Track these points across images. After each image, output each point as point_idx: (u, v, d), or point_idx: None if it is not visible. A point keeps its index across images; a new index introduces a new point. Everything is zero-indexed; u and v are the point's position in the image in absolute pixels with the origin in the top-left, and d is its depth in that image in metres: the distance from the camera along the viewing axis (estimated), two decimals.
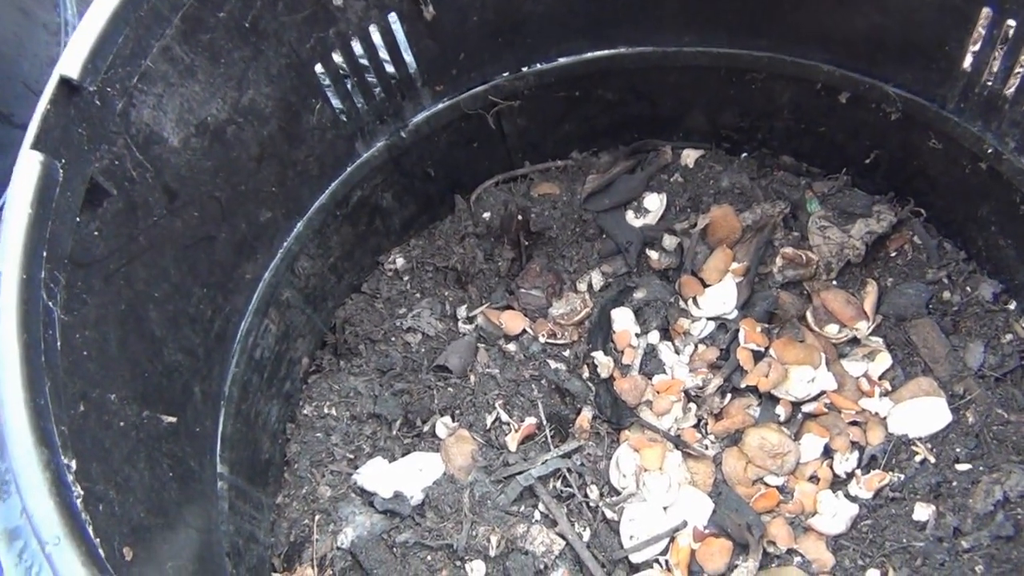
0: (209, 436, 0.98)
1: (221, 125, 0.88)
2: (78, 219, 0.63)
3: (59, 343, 0.60)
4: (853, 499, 1.07)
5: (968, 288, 1.17)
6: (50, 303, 0.58)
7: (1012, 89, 0.90)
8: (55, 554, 0.46)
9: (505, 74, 1.15)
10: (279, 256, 1.08)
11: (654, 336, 1.20)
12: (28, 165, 0.57)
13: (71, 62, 0.61)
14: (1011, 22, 0.84)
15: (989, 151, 0.99)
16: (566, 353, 1.23)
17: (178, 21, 0.72)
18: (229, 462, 1.02)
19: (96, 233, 0.73)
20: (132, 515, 0.76)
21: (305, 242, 1.12)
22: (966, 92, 0.97)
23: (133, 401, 0.80)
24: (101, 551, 0.52)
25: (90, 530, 0.52)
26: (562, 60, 1.14)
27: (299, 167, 1.04)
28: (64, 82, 0.60)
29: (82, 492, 0.54)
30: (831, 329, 1.18)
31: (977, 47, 0.91)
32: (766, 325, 1.19)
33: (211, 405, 0.99)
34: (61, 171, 0.60)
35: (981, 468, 1.06)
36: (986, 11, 0.85)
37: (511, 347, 1.24)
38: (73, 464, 0.55)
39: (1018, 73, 0.89)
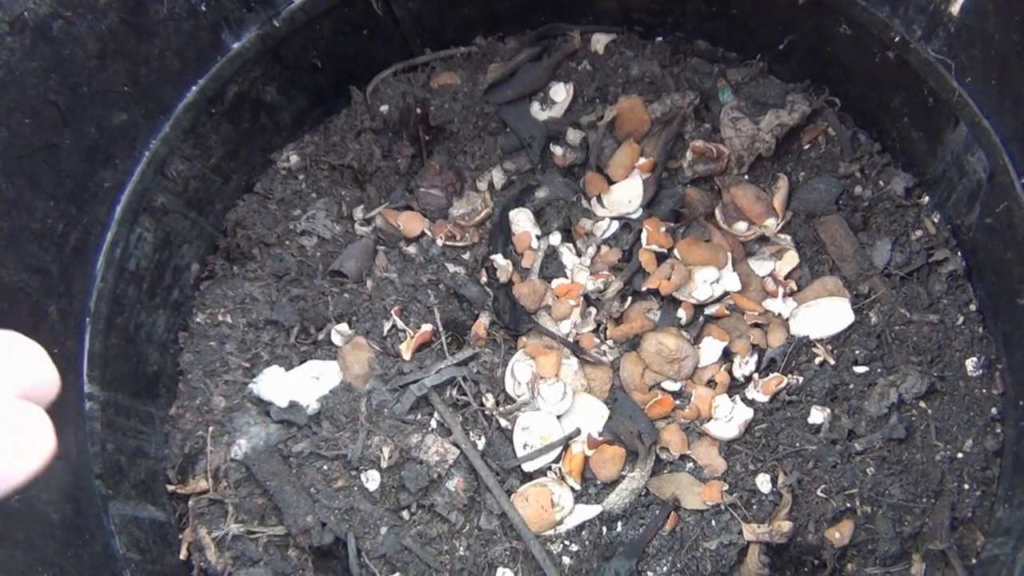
0: (71, 356, 0.93)
1: (44, 20, 0.79)
2: None
3: None
4: (750, 403, 1.05)
5: (881, 182, 1.13)
6: None
7: None
8: None
9: None
10: (144, 160, 1.01)
11: (555, 238, 1.16)
12: None
13: None
14: None
15: (896, 39, 0.92)
16: (465, 256, 1.18)
17: None
18: (101, 380, 0.98)
19: None
20: None
21: (175, 143, 1.04)
22: None
23: None
24: None
25: None
26: None
27: (154, 63, 0.95)
28: None
29: None
30: (739, 227, 1.14)
31: None
32: (672, 224, 1.14)
33: (72, 324, 0.93)
34: None
35: (879, 370, 1.05)
36: None
37: (410, 250, 1.18)
38: None
39: None
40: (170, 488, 1.11)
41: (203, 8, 0.96)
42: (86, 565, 0.83)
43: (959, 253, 1.07)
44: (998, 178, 0.88)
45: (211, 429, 1.13)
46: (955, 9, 0.81)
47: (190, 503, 1.10)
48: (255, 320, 1.18)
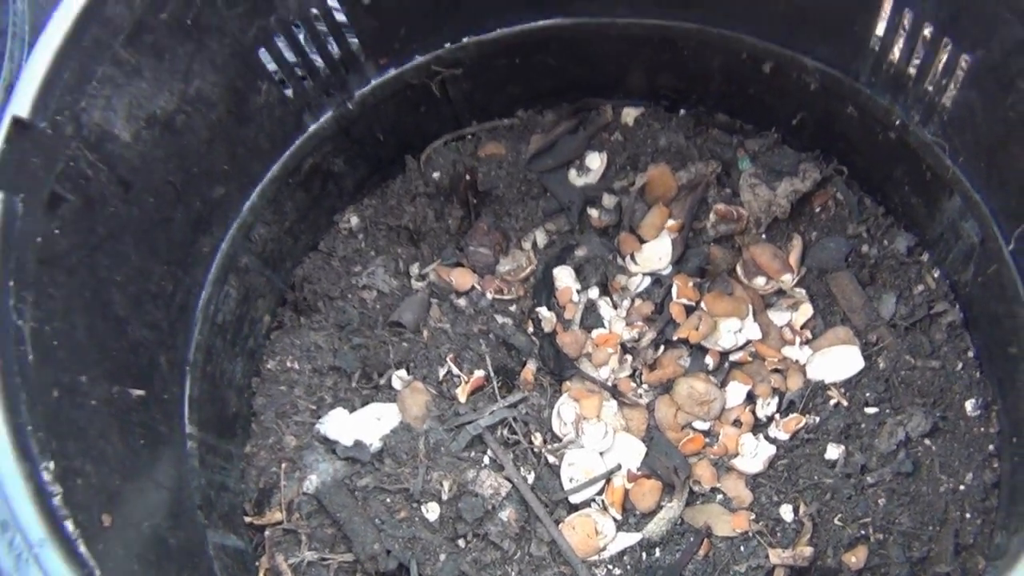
0: (176, 401, 1.06)
1: (170, 116, 0.93)
2: (39, 239, 0.69)
3: (30, 354, 0.66)
4: (772, 441, 1.17)
5: (885, 241, 1.26)
6: (19, 322, 0.64)
7: (914, 70, 0.97)
8: (41, 554, 0.54)
9: (447, 44, 1.19)
10: (235, 227, 1.14)
11: (594, 292, 1.29)
12: None
13: (22, 102, 0.66)
14: (908, 12, 0.90)
15: (897, 122, 1.06)
16: (512, 308, 1.30)
17: (122, 39, 0.76)
18: (198, 422, 1.10)
19: (57, 232, 0.78)
20: (108, 484, 0.84)
21: (260, 211, 1.18)
22: (876, 68, 1.03)
23: (103, 380, 0.88)
24: (80, 537, 0.60)
25: (69, 526, 0.60)
26: (501, 30, 1.18)
27: (249, 144, 1.08)
28: (16, 122, 0.65)
29: (60, 491, 0.62)
30: (759, 281, 1.27)
31: (882, 30, 0.96)
32: (698, 279, 1.27)
33: (177, 372, 1.06)
34: (20, 204, 0.65)
35: (888, 411, 1.17)
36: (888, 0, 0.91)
37: (461, 302, 1.31)
38: (51, 465, 0.62)
39: (919, 55, 0.95)
40: (247, 519, 1.22)
41: (291, 96, 1.10)
42: None
43: (957, 306, 1.19)
44: (988, 244, 1.01)
45: (284, 466, 1.25)
46: (948, 102, 0.94)
47: (266, 533, 1.21)
48: (319, 366, 1.30)
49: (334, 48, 1.09)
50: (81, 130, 0.76)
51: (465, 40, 1.18)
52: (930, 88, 0.97)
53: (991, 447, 1.13)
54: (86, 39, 0.71)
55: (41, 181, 0.70)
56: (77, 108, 0.73)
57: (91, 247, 0.85)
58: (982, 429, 1.14)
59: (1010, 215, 0.93)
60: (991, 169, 0.94)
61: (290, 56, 1.05)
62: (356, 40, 1.09)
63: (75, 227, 0.82)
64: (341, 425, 1.25)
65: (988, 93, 0.86)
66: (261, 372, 1.30)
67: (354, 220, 1.38)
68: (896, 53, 0.98)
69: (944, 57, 0.91)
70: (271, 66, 1.04)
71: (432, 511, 1.18)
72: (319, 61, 1.09)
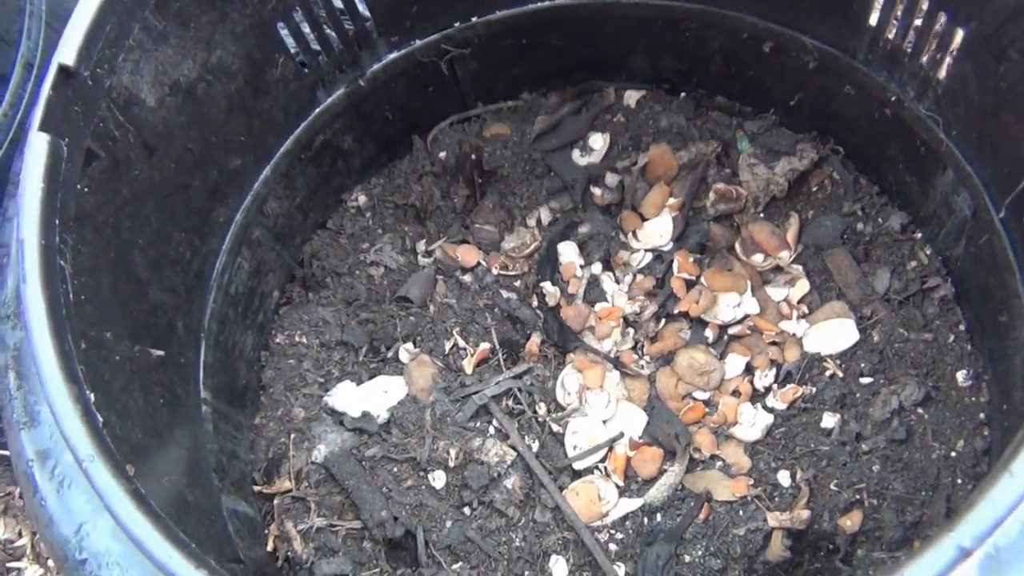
0: (192, 366, 1.08)
1: (192, 83, 0.96)
2: (78, 185, 0.72)
3: (71, 295, 0.69)
4: (770, 410, 1.21)
5: (879, 219, 1.30)
6: (61, 262, 0.67)
7: (910, 45, 1.01)
8: (90, 468, 0.57)
9: (456, 24, 1.22)
10: (249, 199, 1.17)
11: (597, 267, 1.32)
12: (37, 145, 0.65)
13: (67, 51, 0.69)
14: None
15: (893, 99, 1.09)
16: (517, 284, 1.34)
17: (153, 2, 0.79)
18: (211, 388, 1.13)
19: (86, 190, 0.81)
20: (131, 437, 0.87)
21: (273, 185, 1.21)
22: (872, 45, 1.07)
23: (126, 337, 0.90)
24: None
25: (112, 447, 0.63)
26: (509, 10, 1.21)
27: (264, 116, 1.11)
28: (62, 69, 0.68)
29: (102, 418, 0.65)
30: (757, 258, 1.31)
31: (880, 6, 1.00)
32: (698, 255, 1.31)
33: (192, 338, 1.09)
34: (65, 148, 0.68)
35: (882, 381, 1.20)
36: None
37: (467, 278, 1.34)
38: (93, 396, 0.65)
39: (914, 30, 0.99)
40: (256, 488, 1.25)
41: (306, 70, 1.13)
42: (214, 540, 0.97)
43: (949, 280, 1.23)
44: (980, 215, 1.04)
45: (292, 436, 1.27)
46: (942, 75, 0.98)
47: (275, 501, 1.24)
48: (327, 341, 1.33)
49: (349, 24, 1.12)
50: (112, 90, 0.79)
51: (474, 19, 1.22)
52: (924, 62, 1.01)
53: (981, 415, 1.17)
54: None
55: (81, 131, 0.72)
56: (115, 63, 0.76)
57: (116, 207, 0.88)
58: (973, 398, 1.18)
59: (1001, 184, 0.97)
60: (983, 140, 0.97)
61: (306, 30, 1.08)
62: (369, 15, 1.12)
63: (103, 187, 0.85)
64: (349, 397, 1.27)
65: (981, 64, 0.90)
66: (270, 346, 1.33)
67: (362, 199, 1.41)
68: (893, 29, 1.02)
69: (939, 30, 0.95)
70: (288, 40, 1.07)
71: (438, 479, 1.21)
72: (334, 37, 1.12)
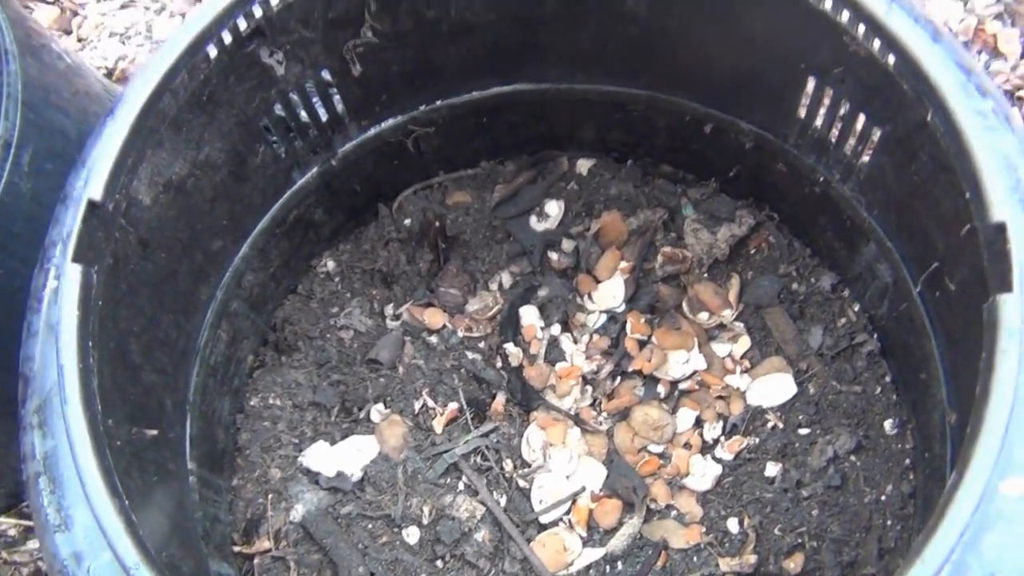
0: (180, 439, 1.14)
1: (183, 180, 1.02)
2: (100, 302, 0.78)
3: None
4: (718, 461, 1.31)
5: (812, 280, 1.42)
6: (94, 379, 0.73)
7: (835, 137, 1.13)
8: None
9: (422, 107, 1.31)
10: (228, 275, 1.23)
11: (556, 328, 1.41)
12: (72, 276, 0.72)
13: (95, 187, 0.75)
14: (828, 90, 1.06)
15: (820, 179, 1.21)
16: (481, 345, 1.42)
17: (166, 124, 0.86)
18: (196, 458, 1.18)
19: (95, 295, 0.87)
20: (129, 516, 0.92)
21: (250, 260, 1.27)
22: (802, 133, 1.18)
23: (124, 422, 0.96)
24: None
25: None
26: (472, 95, 1.30)
27: (245, 200, 1.18)
28: (91, 204, 0.75)
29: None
30: (702, 316, 1.41)
31: (807, 103, 1.12)
32: (649, 315, 1.41)
33: (179, 413, 1.15)
34: (95, 275, 0.74)
35: (818, 431, 1.32)
36: (811, 79, 1.06)
37: (433, 340, 1.42)
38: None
39: (838, 125, 1.11)
40: (236, 549, 1.30)
41: (283, 155, 1.21)
42: None
43: (875, 336, 1.35)
44: (900, 284, 1.16)
45: (270, 497, 1.33)
46: (863, 165, 1.10)
47: (256, 561, 1.30)
48: (300, 402, 1.39)
49: (323, 113, 1.20)
50: (120, 203, 0.85)
51: (439, 103, 1.30)
52: (848, 152, 1.13)
53: (907, 461, 1.29)
54: (144, 128, 0.81)
55: (104, 253, 0.79)
56: (129, 187, 0.83)
57: (115, 302, 0.94)
58: (899, 446, 1.30)
59: (917, 261, 1.09)
60: (900, 222, 1.09)
61: (285, 122, 1.16)
62: (343, 106, 1.20)
63: (104, 284, 0.90)
64: (323, 457, 1.34)
65: (896, 160, 1.02)
66: (245, 409, 1.39)
67: (331, 264, 1.48)
68: (819, 122, 1.14)
69: (859, 128, 1.07)
70: (268, 131, 1.14)
71: (412, 535, 1.28)
72: (309, 124, 1.20)
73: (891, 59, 0.86)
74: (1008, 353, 0.68)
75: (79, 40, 1.83)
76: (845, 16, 0.90)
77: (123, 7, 1.87)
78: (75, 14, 1.86)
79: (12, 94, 1.30)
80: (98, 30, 1.83)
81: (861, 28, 0.88)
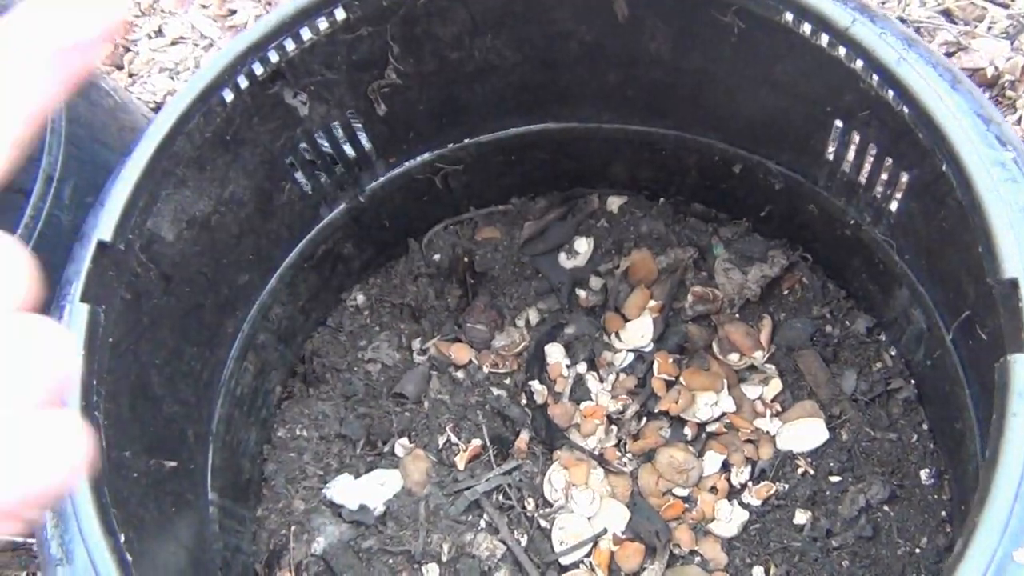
0: (201, 471, 1.15)
1: (207, 217, 1.04)
2: (111, 339, 0.80)
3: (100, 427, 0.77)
4: (745, 506, 1.28)
5: (847, 323, 1.38)
6: (98, 415, 0.75)
7: (864, 179, 1.10)
8: None
9: (450, 145, 1.32)
10: (255, 309, 1.25)
11: (582, 367, 1.40)
12: (79, 316, 0.74)
13: (105, 228, 0.77)
14: (855, 134, 1.03)
15: (852, 221, 1.19)
16: (507, 381, 1.42)
17: (182, 165, 0.88)
18: (218, 489, 1.20)
19: (112, 328, 0.89)
20: (148, 549, 0.94)
21: (277, 293, 1.29)
22: (831, 176, 1.16)
23: (142, 453, 0.98)
24: None
25: None
26: (499, 133, 1.31)
27: (272, 236, 1.20)
28: (100, 245, 0.77)
29: (123, 536, 0.72)
30: (733, 357, 1.39)
31: (834, 147, 1.10)
32: (677, 356, 1.39)
33: (201, 443, 1.16)
34: (103, 314, 0.76)
35: (850, 479, 1.28)
36: (837, 122, 1.04)
37: (460, 375, 1.42)
38: (115, 511, 0.72)
39: (866, 169, 1.09)
40: None
41: (310, 192, 1.23)
42: None
43: (911, 382, 1.31)
44: (934, 331, 1.13)
45: (293, 528, 1.34)
46: (893, 209, 1.08)
47: None
48: (327, 434, 1.40)
49: (350, 151, 1.22)
50: (138, 240, 0.87)
51: (466, 141, 1.31)
52: (878, 196, 1.10)
53: (943, 513, 1.24)
54: (157, 171, 0.83)
55: (115, 291, 0.81)
56: (144, 227, 0.85)
57: (136, 336, 0.96)
58: (935, 496, 1.25)
59: (948, 308, 1.05)
60: (931, 268, 1.06)
61: (311, 159, 1.18)
62: (370, 144, 1.21)
63: (125, 318, 0.93)
64: (347, 490, 1.34)
65: (924, 205, 0.99)
66: (272, 440, 1.40)
67: (360, 298, 1.49)
68: (847, 166, 1.11)
69: (887, 173, 1.04)
70: (294, 168, 1.16)
71: (432, 572, 1.27)
72: (336, 162, 1.21)
73: (905, 109, 0.84)
74: (1019, 416, 0.65)
75: (130, 75, 1.90)
76: (859, 64, 0.88)
77: (174, 43, 1.93)
78: (127, 50, 1.92)
79: (56, 130, 1.35)
80: (148, 65, 1.90)
81: (875, 77, 0.86)
